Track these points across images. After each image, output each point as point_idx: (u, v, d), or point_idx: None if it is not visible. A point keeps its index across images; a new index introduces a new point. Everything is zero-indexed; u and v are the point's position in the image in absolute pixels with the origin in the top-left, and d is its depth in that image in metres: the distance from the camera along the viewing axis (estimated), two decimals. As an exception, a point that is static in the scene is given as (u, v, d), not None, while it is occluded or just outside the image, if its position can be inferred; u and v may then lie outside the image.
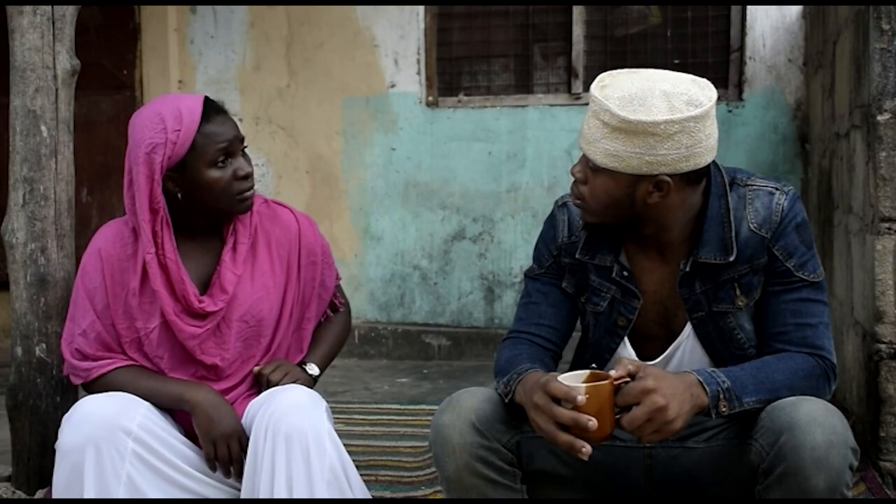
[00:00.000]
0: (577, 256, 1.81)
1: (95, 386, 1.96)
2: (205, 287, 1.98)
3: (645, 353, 1.81)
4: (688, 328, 1.78)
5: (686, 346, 1.78)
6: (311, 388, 1.97)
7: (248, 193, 1.95)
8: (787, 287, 1.71)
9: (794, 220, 1.71)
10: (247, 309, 1.98)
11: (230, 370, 2.00)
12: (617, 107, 1.59)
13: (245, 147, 1.97)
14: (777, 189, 1.73)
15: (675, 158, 1.61)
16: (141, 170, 1.86)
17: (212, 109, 1.91)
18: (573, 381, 1.56)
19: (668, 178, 1.63)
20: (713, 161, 1.72)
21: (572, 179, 1.75)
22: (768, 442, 1.55)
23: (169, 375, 1.96)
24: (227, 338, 1.97)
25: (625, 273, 1.78)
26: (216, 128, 1.89)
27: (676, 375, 1.57)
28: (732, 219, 1.70)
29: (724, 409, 1.57)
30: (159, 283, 1.92)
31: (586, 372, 1.62)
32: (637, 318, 1.79)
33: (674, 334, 1.79)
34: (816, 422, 1.50)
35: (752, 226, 1.71)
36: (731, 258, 1.70)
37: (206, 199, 1.91)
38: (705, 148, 1.63)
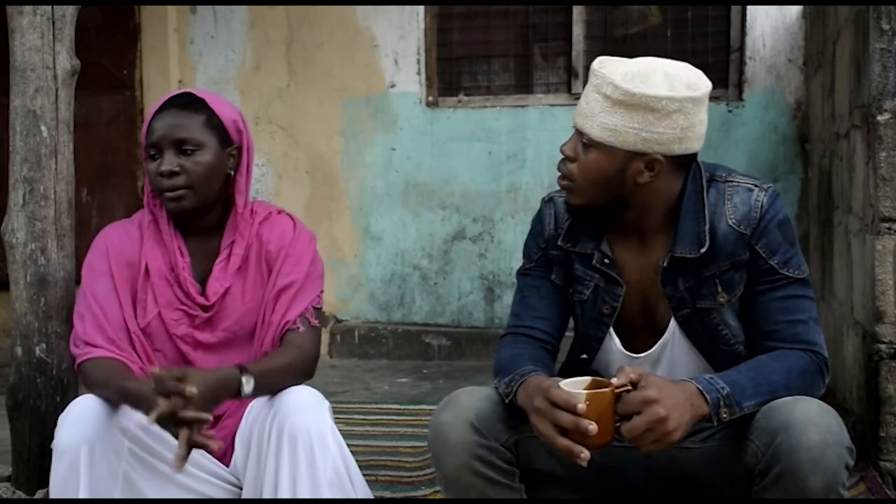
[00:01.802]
0: (559, 244, 1.83)
1: (80, 375, 1.95)
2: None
3: (631, 345, 1.81)
4: (673, 324, 1.78)
5: (673, 343, 1.79)
6: (236, 385, 1.81)
7: (171, 194, 1.91)
8: (773, 285, 1.72)
9: (776, 217, 1.73)
10: (235, 321, 1.98)
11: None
12: (620, 80, 1.63)
13: (189, 149, 1.91)
14: (756, 186, 1.75)
15: (670, 138, 1.65)
16: None
17: (168, 104, 1.94)
18: (575, 387, 1.56)
19: (661, 158, 1.66)
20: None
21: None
22: (764, 442, 1.55)
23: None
24: (211, 343, 1.97)
25: (606, 261, 1.79)
26: (155, 122, 1.92)
27: (677, 385, 1.57)
28: (707, 213, 1.72)
29: (724, 416, 1.57)
30: (153, 246, 1.96)
31: (588, 379, 1.62)
32: (622, 309, 1.80)
33: (657, 328, 1.80)
34: (812, 422, 1.50)
35: (730, 221, 1.72)
36: (703, 250, 1.70)
37: None
38: (697, 134, 1.68)
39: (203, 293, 1.97)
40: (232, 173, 1.99)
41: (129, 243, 2.00)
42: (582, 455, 1.51)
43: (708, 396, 1.56)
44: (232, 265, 1.99)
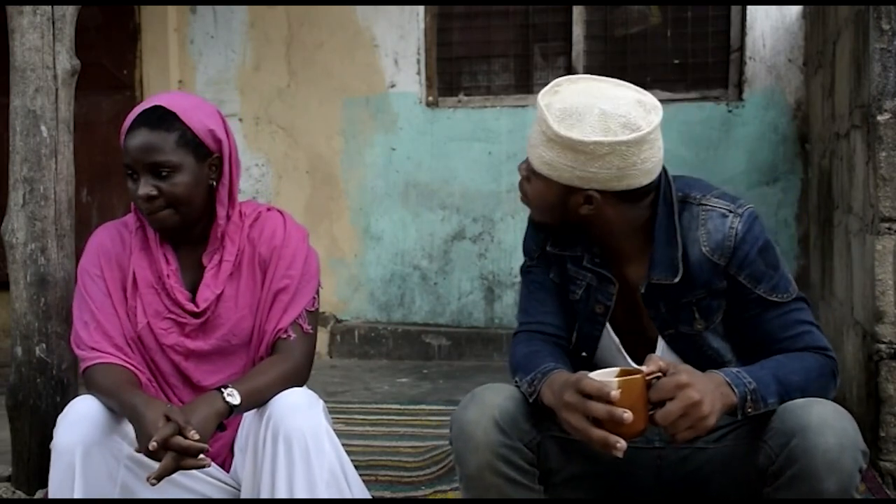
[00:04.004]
0: (547, 249, 1.83)
1: (84, 379, 1.92)
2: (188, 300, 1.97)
3: (630, 347, 1.80)
4: (661, 342, 1.78)
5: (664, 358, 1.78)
6: (227, 416, 1.79)
7: (153, 217, 1.87)
8: (766, 308, 1.71)
9: (755, 245, 1.69)
10: (229, 328, 1.95)
11: (209, 382, 1.95)
12: (553, 119, 1.62)
13: (163, 171, 1.84)
14: (731, 211, 1.70)
15: (606, 177, 1.63)
16: None
17: (139, 122, 1.86)
18: (604, 378, 1.55)
19: (596, 194, 1.65)
20: (665, 176, 1.73)
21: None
22: (778, 444, 1.54)
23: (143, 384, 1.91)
24: (205, 351, 1.95)
25: (596, 260, 1.78)
26: (129, 141, 1.85)
27: (706, 374, 1.56)
28: (680, 238, 1.70)
29: (750, 410, 1.56)
30: (140, 254, 1.93)
31: (615, 369, 1.61)
32: (617, 310, 1.79)
33: (648, 338, 1.79)
34: (828, 424, 1.50)
35: (704, 249, 1.69)
36: (676, 279, 1.69)
37: None
38: (640, 171, 1.64)
39: (194, 300, 1.94)
40: (214, 184, 1.92)
41: (121, 247, 1.97)
42: (618, 445, 1.49)
43: (736, 389, 1.55)
44: (223, 271, 1.95)
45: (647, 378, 1.53)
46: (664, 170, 1.72)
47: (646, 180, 1.66)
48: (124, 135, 1.87)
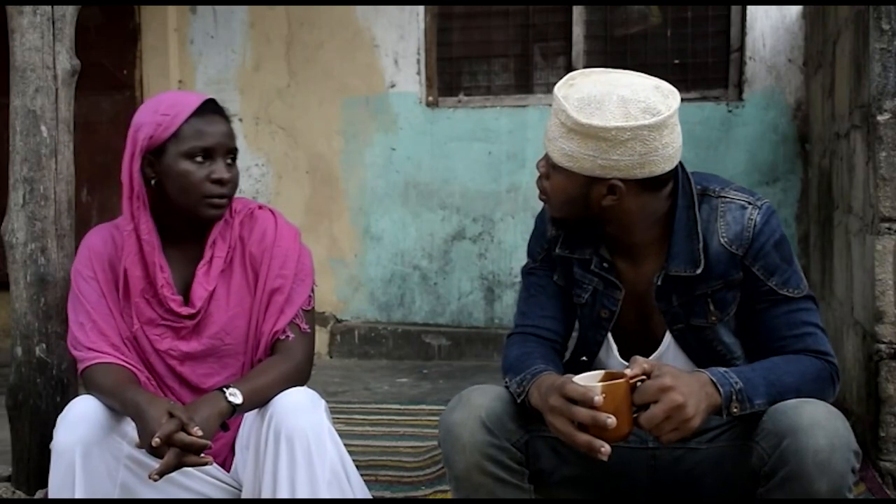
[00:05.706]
0: (556, 251, 1.82)
1: (83, 379, 1.93)
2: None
3: (630, 351, 1.79)
4: (668, 338, 1.78)
5: (668, 356, 1.78)
6: (229, 416, 1.79)
7: (219, 201, 1.89)
8: (775, 303, 1.71)
9: (772, 237, 1.70)
10: (221, 327, 1.95)
11: (207, 385, 1.96)
12: (573, 108, 1.62)
13: (232, 158, 1.91)
14: (750, 203, 1.72)
15: (629, 164, 1.62)
16: (126, 146, 1.90)
17: (209, 110, 1.90)
18: (588, 382, 1.56)
19: (620, 183, 1.64)
20: (682, 169, 1.73)
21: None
22: (770, 445, 1.54)
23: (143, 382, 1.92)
24: (199, 352, 1.95)
25: (605, 265, 1.78)
26: (204, 125, 1.88)
27: (691, 374, 1.57)
28: (700, 230, 1.70)
29: (735, 410, 1.56)
30: (133, 260, 1.91)
31: (601, 372, 1.62)
32: (620, 314, 1.79)
33: (653, 337, 1.79)
34: (819, 425, 1.49)
35: (722, 240, 1.70)
36: (699, 271, 1.69)
37: (176, 192, 1.88)
38: (662, 156, 1.63)
39: (187, 301, 1.94)
40: None
41: (114, 249, 1.97)
42: (602, 450, 1.50)
43: (721, 389, 1.55)
44: (215, 268, 1.95)
45: (632, 381, 1.53)
46: (681, 163, 1.72)
47: (667, 167, 1.66)
48: (186, 119, 1.86)
